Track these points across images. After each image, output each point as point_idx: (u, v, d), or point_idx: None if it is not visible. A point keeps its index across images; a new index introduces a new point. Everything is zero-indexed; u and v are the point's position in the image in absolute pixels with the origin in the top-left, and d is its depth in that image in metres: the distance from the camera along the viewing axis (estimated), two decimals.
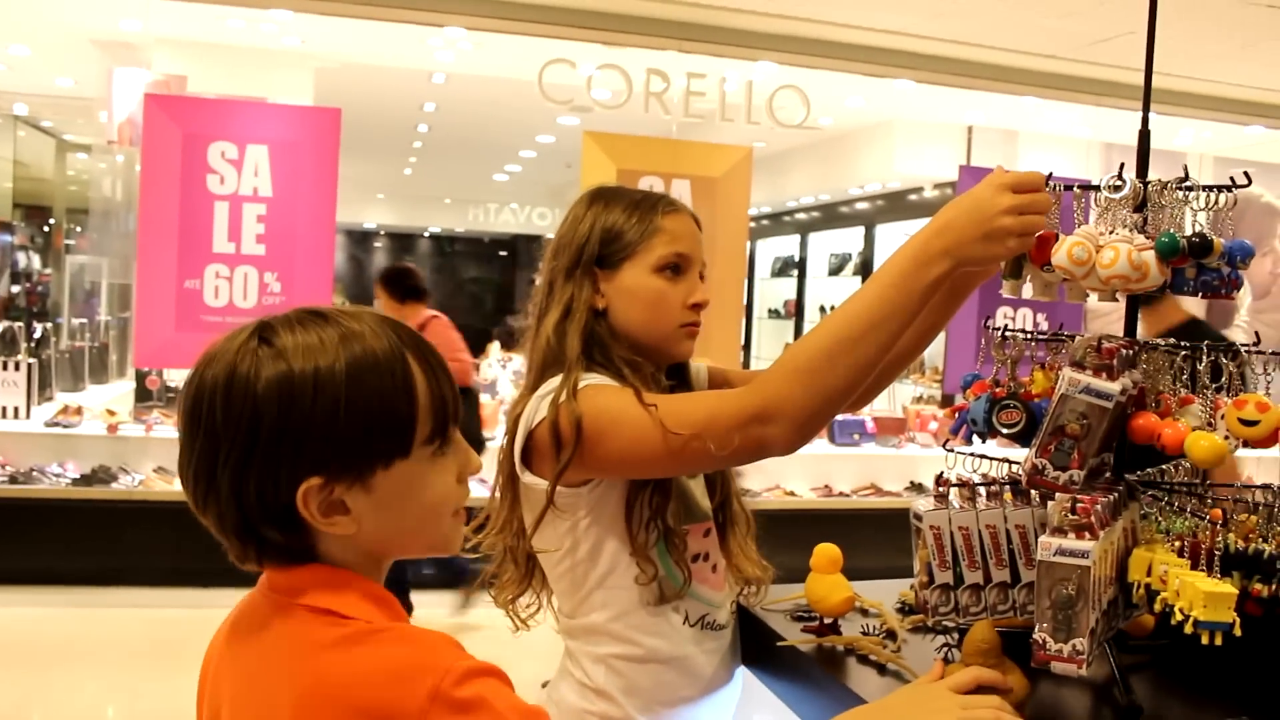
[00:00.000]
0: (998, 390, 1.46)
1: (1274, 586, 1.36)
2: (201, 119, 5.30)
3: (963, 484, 1.47)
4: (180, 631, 5.01)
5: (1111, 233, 1.35)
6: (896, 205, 9.73)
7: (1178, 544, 1.42)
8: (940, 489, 1.45)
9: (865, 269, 10.12)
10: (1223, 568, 1.38)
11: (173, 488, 5.64)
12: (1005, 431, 1.41)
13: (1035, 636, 1.28)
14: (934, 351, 8.31)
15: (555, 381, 1.48)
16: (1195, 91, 6.72)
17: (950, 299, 1.58)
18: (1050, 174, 1.40)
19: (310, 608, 0.95)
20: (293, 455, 0.91)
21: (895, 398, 8.52)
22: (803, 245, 11.80)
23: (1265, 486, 1.45)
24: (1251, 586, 1.37)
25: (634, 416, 1.41)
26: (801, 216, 11.83)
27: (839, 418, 6.67)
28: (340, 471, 0.93)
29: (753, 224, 11.66)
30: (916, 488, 6.55)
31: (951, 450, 1.53)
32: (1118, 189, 1.36)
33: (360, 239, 18.14)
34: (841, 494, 6.51)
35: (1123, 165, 1.36)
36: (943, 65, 6.19)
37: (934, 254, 1.32)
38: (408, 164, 13.02)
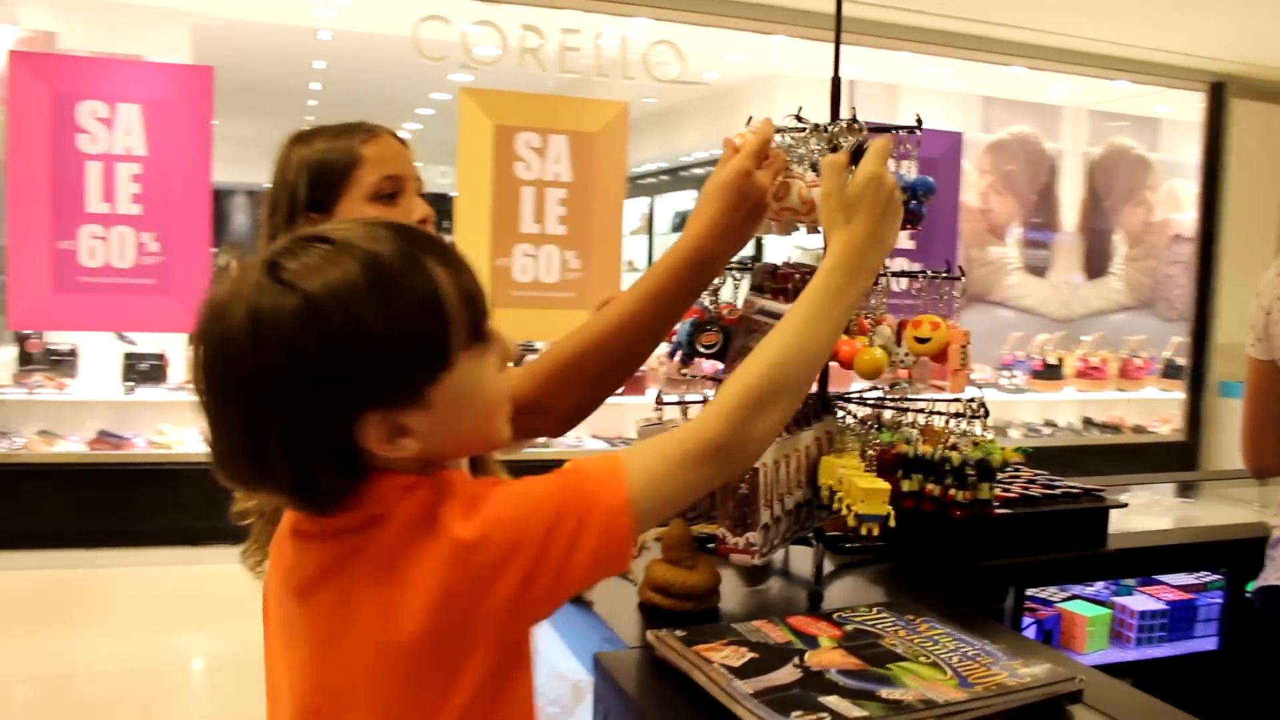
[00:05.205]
0: (701, 316, 1.61)
1: (944, 487, 1.53)
2: (69, 77, 5.27)
3: (680, 402, 1.62)
4: (67, 593, 5.07)
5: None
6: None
7: (872, 452, 1.59)
8: (657, 407, 1.60)
9: None
10: (906, 471, 1.55)
11: (53, 449, 5.64)
12: (704, 351, 1.55)
13: (718, 531, 1.44)
14: None
15: None
16: (1063, 47, 6.94)
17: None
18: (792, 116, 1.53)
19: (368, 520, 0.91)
20: (345, 392, 0.87)
21: None
22: None
23: (954, 399, 1.61)
24: (926, 487, 1.54)
25: None
26: (698, 171, 11.95)
27: None
28: (394, 397, 0.89)
29: (651, 179, 11.77)
30: None
31: (665, 373, 1.68)
32: (799, 131, 1.51)
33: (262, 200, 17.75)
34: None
35: (800, 108, 1.51)
36: (816, 20, 6.30)
37: None
38: (305, 123, 12.79)
